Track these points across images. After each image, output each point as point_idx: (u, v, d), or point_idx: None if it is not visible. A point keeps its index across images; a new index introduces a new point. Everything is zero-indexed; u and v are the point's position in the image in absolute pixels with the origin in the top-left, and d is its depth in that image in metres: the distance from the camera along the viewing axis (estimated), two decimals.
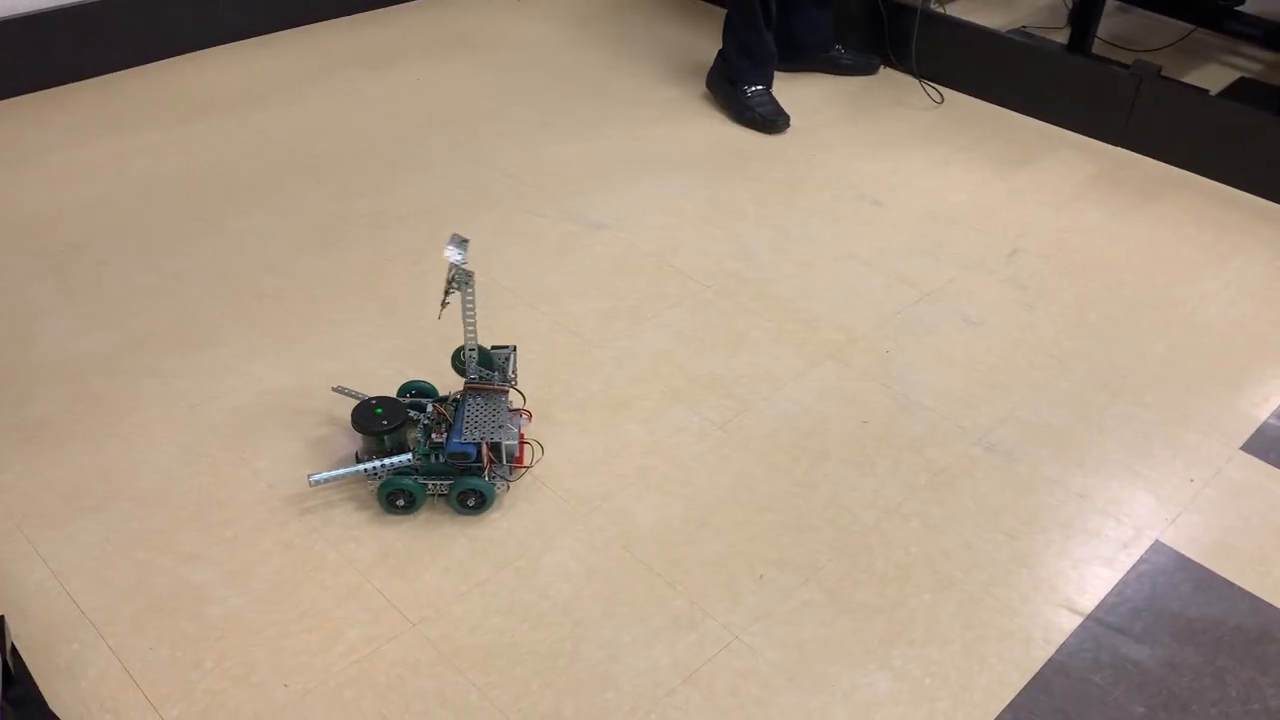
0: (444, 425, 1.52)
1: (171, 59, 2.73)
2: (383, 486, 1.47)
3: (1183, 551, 1.49)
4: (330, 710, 1.25)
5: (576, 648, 1.33)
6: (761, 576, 1.43)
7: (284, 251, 2.04)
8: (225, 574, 1.40)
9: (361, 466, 1.48)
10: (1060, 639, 1.37)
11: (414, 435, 1.53)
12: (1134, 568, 1.47)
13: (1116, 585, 1.44)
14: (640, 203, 2.23)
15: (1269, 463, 1.64)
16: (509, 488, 1.53)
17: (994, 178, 2.37)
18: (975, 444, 1.66)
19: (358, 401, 1.53)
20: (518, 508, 1.52)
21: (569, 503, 1.53)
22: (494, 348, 1.57)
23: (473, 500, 1.48)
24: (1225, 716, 1.28)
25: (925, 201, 2.27)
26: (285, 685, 1.27)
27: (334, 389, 1.66)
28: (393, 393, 1.60)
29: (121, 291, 1.91)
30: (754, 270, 2.03)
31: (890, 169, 2.38)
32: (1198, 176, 2.39)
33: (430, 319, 1.86)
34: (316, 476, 1.49)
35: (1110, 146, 2.50)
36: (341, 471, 1.49)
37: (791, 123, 2.52)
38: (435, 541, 1.46)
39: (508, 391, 1.55)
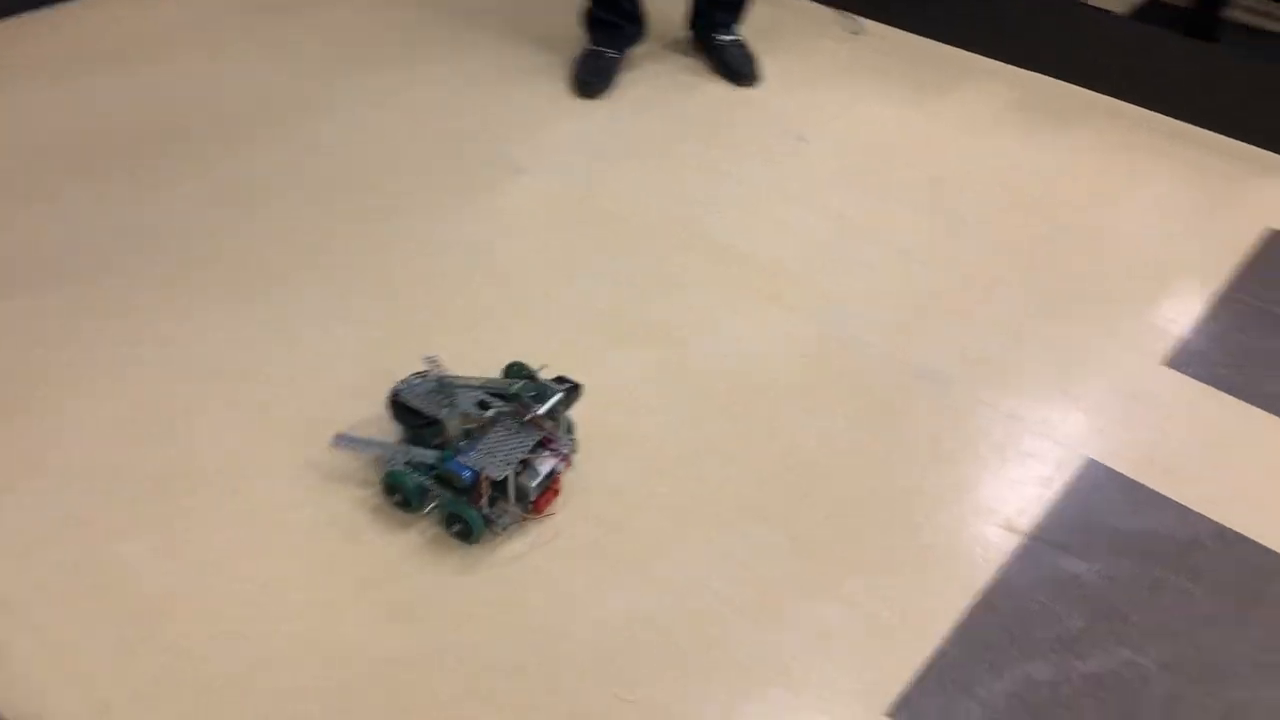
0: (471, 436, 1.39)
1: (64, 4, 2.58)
2: (387, 474, 1.38)
3: (1114, 467, 1.54)
4: (278, 681, 1.22)
5: (533, 601, 1.32)
6: (716, 515, 1.43)
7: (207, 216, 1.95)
8: (155, 549, 1.36)
9: (385, 447, 1.40)
10: (1002, 559, 1.40)
11: (458, 433, 1.40)
12: (1068, 486, 1.51)
13: (1052, 503, 1.48)
14: (562, 145, 2.19)
15: (1190, 376, 1.69)
16: (501, 532, 1.37)
17: (916, 108, 2.37)
18: (912, 373, 1.67)
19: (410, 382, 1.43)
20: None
21: None
22: (558, 379, 1.45)
23: (457, 527, 1.36)
24: (1161, 624, 1.33)
25: (850, 135, 2.27)
26: (222, 658, 1.24)
27: (425, 357, 1.46)
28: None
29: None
30: (683, 209, 2.01)
31: (814, 103, 2.37)
32: (1113, 100, 2.43)
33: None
34: (342, 437, 1.41)
35: (1028, 72, 2.52)
36: (366, 442, 1.42)
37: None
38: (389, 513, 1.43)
39: (545, 427, 1.38)
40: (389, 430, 1.45)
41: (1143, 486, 1.51)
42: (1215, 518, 1.46)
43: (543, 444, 1.37)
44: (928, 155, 2.21)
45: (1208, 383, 1.67)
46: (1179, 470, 1.53)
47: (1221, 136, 2.29)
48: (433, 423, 1.39)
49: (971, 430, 1.58)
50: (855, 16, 2.70)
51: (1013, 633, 1.31)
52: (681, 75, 2.46)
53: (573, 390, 1.45)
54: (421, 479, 1.37)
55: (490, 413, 1.38)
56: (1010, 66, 2.55)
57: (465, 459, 1.33)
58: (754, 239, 1.94)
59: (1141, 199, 2.09)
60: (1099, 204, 2.08)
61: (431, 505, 1.39)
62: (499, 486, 1.33)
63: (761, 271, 1.87)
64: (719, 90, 2.40)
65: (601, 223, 1.97)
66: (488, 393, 1.41)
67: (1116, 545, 1.42)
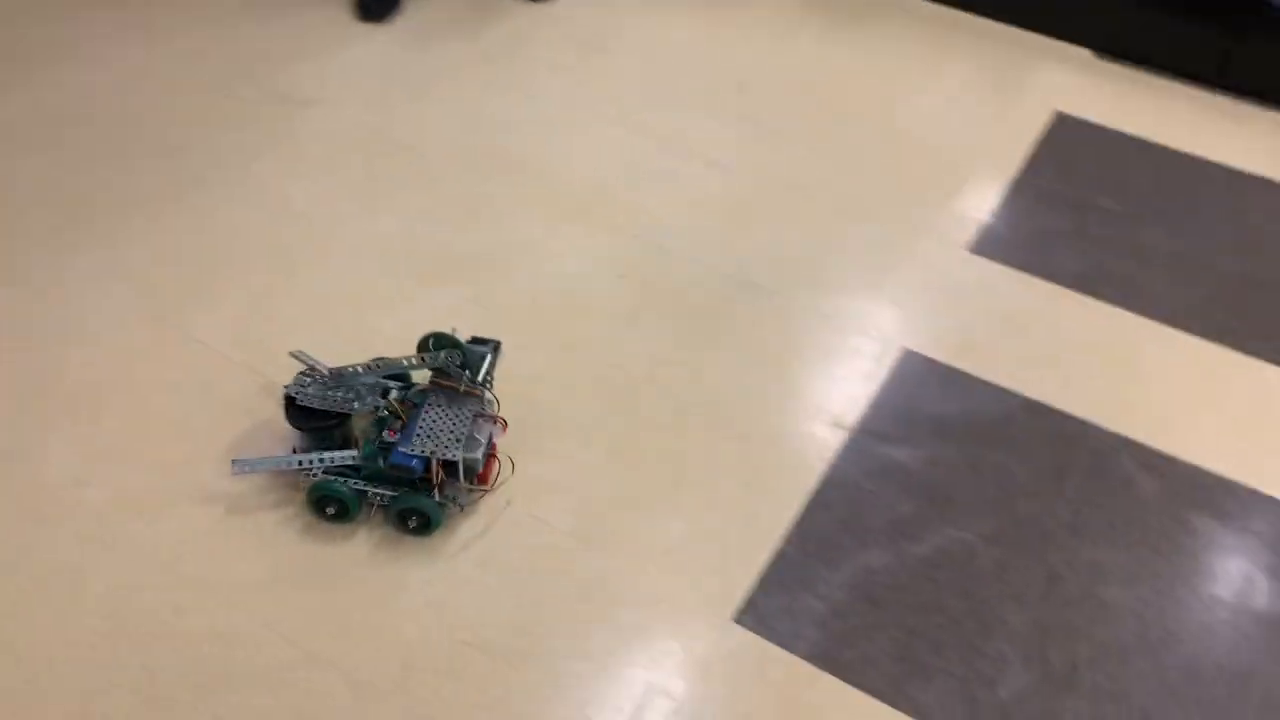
0: (400, 422, 1.27)
1: None
2: (311, 490, 1.24)
3: (929, 355, 1.57)
4: (85, 662, 1.12)
5: (355, 555, 1.25)
6: (539, 448, 1.39)
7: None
8: None
9: (292, 458, 1.25)
10: (831, 455, 1.42)
11: (364, 426, 1.29)
12: (889, 378, 1.54)
13: (875, 396, 1.51)
14: (350, 74, 2.05)
15: (994, 260, 1.75)
16: (462, 510, 1.30)
17: (711, 13, 2.34)
18: (732, 283, 1.66)
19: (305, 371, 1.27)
20: (248, 436, 1.39)
21: None
22: (474, 340, 1.34)
23: (414, 521, 1.25)
24: (983, 499, 1.38)
25: (649, 45, 2.22)
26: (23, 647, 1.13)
27: (292, 353, 1.32)
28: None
29: None
30: (485, 135, 1.93)
31: (613, 16, 2.30)
32: None
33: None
34: (240, 461, 1.25)
35: None
36: (268, 460, 1.26)
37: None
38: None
39: (480, 395, 1.30)
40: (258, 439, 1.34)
41: (957, 370, 1.55)
42: (1025, 393, 1.52)
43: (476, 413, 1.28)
44: (730, 62, 2.18)
45: (1009, 265, 1.74)
46: (989, 351, 1.58)
47: (1006, 25, 2.36)
48: (340, 420, 1.27)
49: (793, 334, 1.59)
50: None
51: (848, 525, 1.33)
52: None
53: (496, 349, 1.35)
54: (352, 483, 1.25)
55: (411, 392, 1.29)
56: None
57: (407, 447, 1.22)
58: (563, 160, 1.88)
59: (937, 92, 2.14)
60: (898, 99, 2.11)
61: (373, 507, 1.28)
62: (449, 467, 1.24)
63: (573, 192, 1.81)
64: (515, 7, 2.30)
65: (401, 154, 1.87)
66: (383, 376, 1.30)
67: (937, 430, 1.47)
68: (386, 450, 1.24)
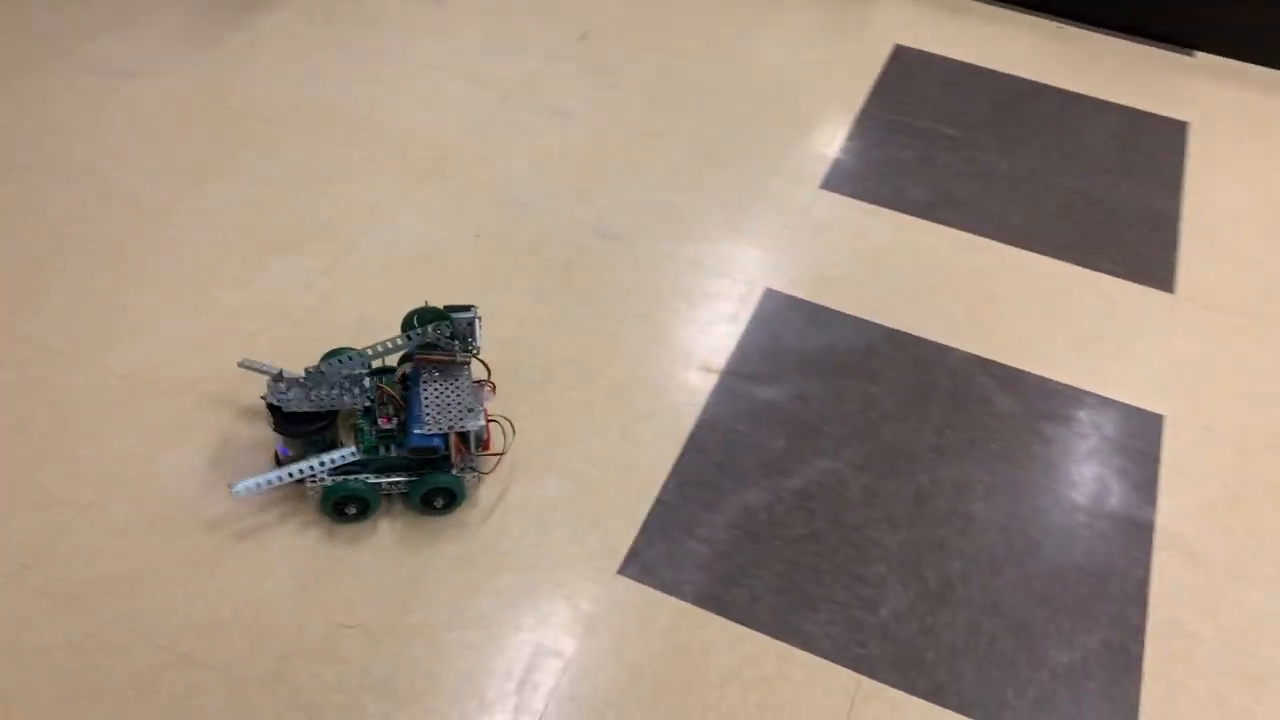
0: (391, 407, 1.23)
1: None
2: (327, 494, 1.18)
3: (790, 293, 1.59)
4: None
5: (216, 556, 1.19)
6: None
7: None
8: None
9: (293, 468, 1.18)
10: (703, 400, 1.42)
11: (353, 422, 1.24)
12: (753, 318, 1.55)
13: (741, 338, 1.51)
14: (170, 40, 1.92)
15: (845, 195, 1.77)
16: (481, 480, 1.27)
17: None
18: (591, 234, 1.64)
19: (271, 378, 1.21)
20: (101, 429, 1.31)
21: (173, 397, 1.34)
22: (449, 309, 1.28)
23: (441, 500, 1.23)
24: (851, 429, 1.41)
25: None
26: None
27: (241, 364, 1.28)
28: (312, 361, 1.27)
29: None
30: (322, 96, 1.84)
31: None
32: None
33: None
34: (240, 486, 1.17)
35: None
36: (270, 475, 1.18)
37: None
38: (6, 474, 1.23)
39: (469, 363, 1.27)
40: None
41: (818, 306, 1.57)
42: (884, 322, 1.55)
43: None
44: (573, 9, 2.14)
45: (861, 198, 1.76)
46: (847, 285, 1.61)
47: None
48: (330, 420, 1.21)
49: (656, 282, 1.58)
50: None
51: (723, 467, 1.34)
52: None
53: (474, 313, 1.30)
54: (364, 478, 1.20)
55: (392, 376, 1.26)
56: None
57: (422, 428, 1.19)
58: (406, 118, 1.81)
59: (780, 32, 2.15)
60: (741, 38, 2.11)
61: (393, 494, 1.24)
62: (461, 438, 1.21)
63: (421, 150, 1.75)
64: None
65: (234, 122, 1.77)
66: (360, 365, 1.26)
67: (803, 365, 1.48)
68: (388, 438, 1.22)
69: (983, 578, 1.25)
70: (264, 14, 2.02)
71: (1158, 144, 1.94)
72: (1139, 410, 1.46)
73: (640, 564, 1.23)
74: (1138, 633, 1.21)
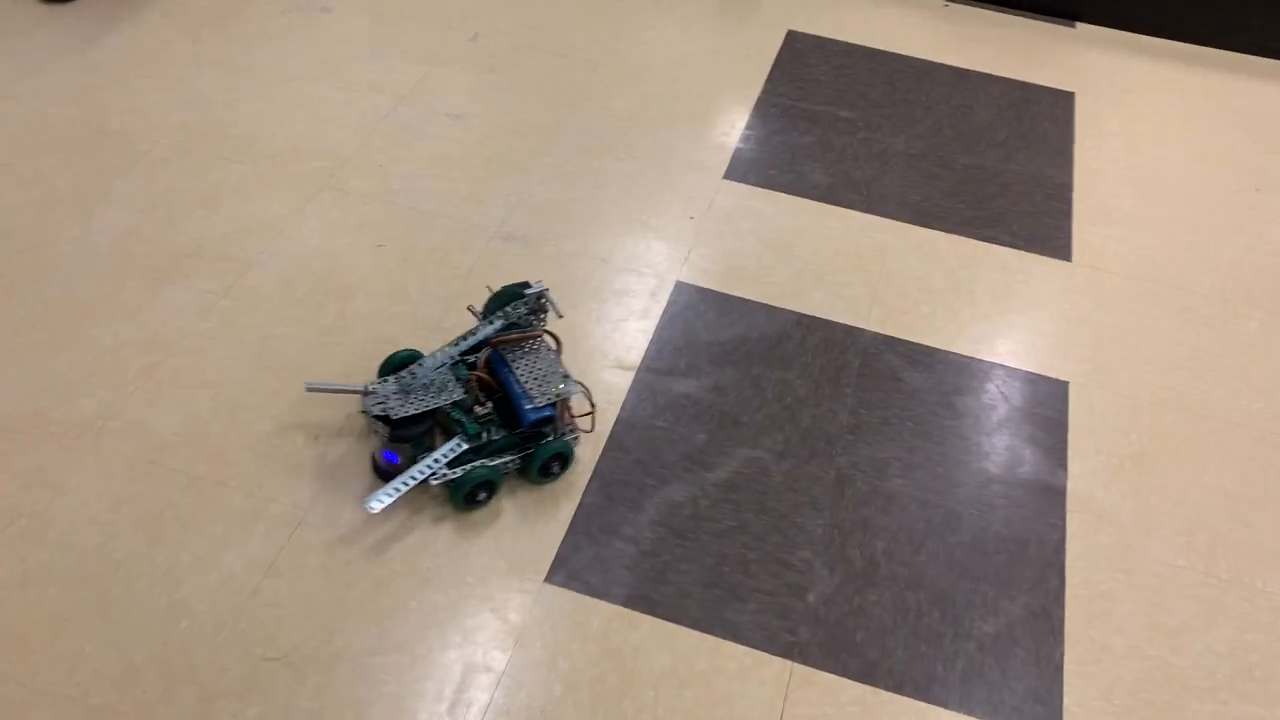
0: (483, 393, 1.27)
1: None
2: (458, 486, 1.22)
3: (701, 284, 1.59)
4: None
5: (130, 590, 1.15)
6: (316, 438, 1.31)
7: None
8: None
9: (416, 471, 1.20)
10: (621, 398, 1.41)
11: (450, 415, 1.26)
12: (664, 313, 1.54)
13: (654, 333, 1.51)
14: (35, 62, 1.84)
15: (748, 183, 1.78)
16: (579, 439, 1.32)
17: None
18: (494, 237, 1.62)
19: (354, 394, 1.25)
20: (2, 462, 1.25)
21: (65, 435, 1.28)
22: (511, 289, 1.30)
23: (558, 466, 1.29)
24: (769, 417, 1.41)
25: (373, 1, 2.10)
26: None
27: (309, 388, 1.27)
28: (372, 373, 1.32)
29: None
30: (206, 115, 1.78)
31: None
32: None
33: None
34: (373, 501, 1.17)
35: None
36: (402, 486, 1.19)
37: None
38: None
39: (540, 335, 1.31)
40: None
41: (728, 295, 1.58)
42: (793, 308, 1.56)
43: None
44: (461, 9, 2.10)
45: (763, 186, 1.77)
46: (756, 273, 1.62)
47: None
48: (433, 417, 1.23)
49: (566, 281, 1.57)
50: None
51: (646, 465, 1.34)
52: None
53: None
54: (485, 461, 1.24)
55: (480, 362, 1.28)
56: None
57: (531, 403, 1.24)
58: (296, 130, 1.77)
59: (672, 23, 2.14)
60: (629, 34, 2.10)
61: (510, 470, 1.29)
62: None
63: (314, 163, 1.71)
64: None
65: (115, 146, 1.70)
66: (446, 357, 1.27)
67: (718, 357, 1.49)
68: (487, 423, 1.26)
69: (906, 554, 1.27)
70: (141, 32, 1.95)
71: (1046, 115, 1.99)
72: (1044, 378, 1.49)
73: (567, 570, 1.21)
74: (1058, 596, 1.24)
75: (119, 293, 1.46)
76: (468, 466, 1.22)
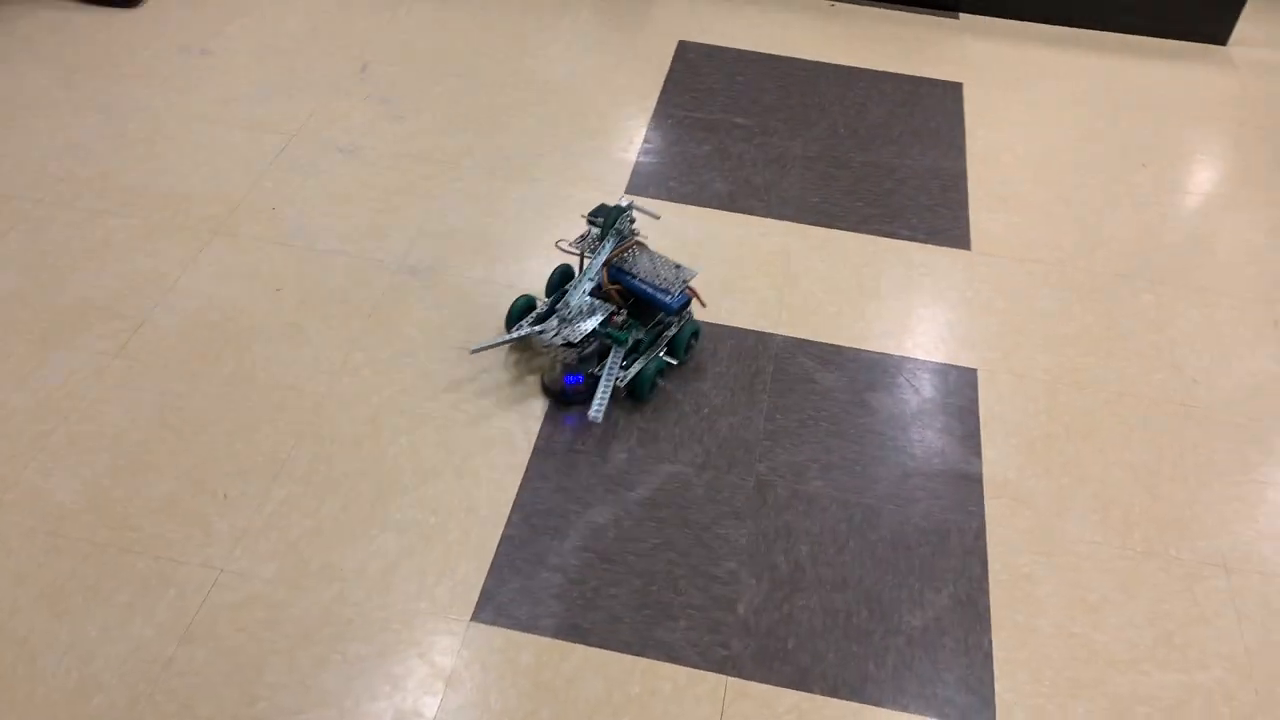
0: (621, 304, 1.44)
1: None
2: (643, 379, 1.41)
3: None
4: None
5: (32, 669, 1.10)
6: (225, 496, 1.27)
7: None
8: None
9: (609, 375, 1.39)
10: (538, 426, 1.40)
11: (594, 332, 1.41)
12: None
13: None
14: None
15: (651, 196, 1.78)
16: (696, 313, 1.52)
17: None
18: (397, 272, 1.59)
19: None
20: None
21: None
22: (600, 211, 1.46)
23: (694, 340, 1.49)
24: (686, 429, 1.41)
25: (258, 37, 2.06)
26: None
27: (474, 350, 1.44)
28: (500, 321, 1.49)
29: None
30: (89, 165, 1.72)
31: (210, 11, 2.12)
32: None
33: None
34: (597, 413, 1.36)
35: None
36: (605, 390, 1.38)
37: None
38: None
39: (635, 241, 1.46)
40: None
41: None
42: (703, 318, 1.56)
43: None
44: (349, 40, 2.07)
45: (667, 198, 1.77)
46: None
47: None
48: (597, 336, 1.43)
49: (474, 309, 1.55)
50: None
51: (567, 490, 1.32)
52: (44, 11, 2.08)
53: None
54: (645, 356, 1.43)
55: (596, 282, 1.44)
56: None
57: (668, 297, 1.41)
58: (185, 176, 1.72)
59: (563, 40, 2.14)
60: (524, 53, 2.09)
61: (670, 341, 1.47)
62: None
63: (205, 209, 1.66)
64: (97, 21, 2.07)
65: None
66: (587, 283, 1.43)
67: None
68: (630, 328, 1.43)
69: (830, 555, 1.27)
70: (15, 80, 1.88)
71: (937, 107, 2.03)
72: (953, 367, 1.52)
73: (494, 606, 1.19)
74: (981, 583, 1.26)
75: (4, 361, 1.41)
76: (638, 365, 1.41)
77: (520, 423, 1.40)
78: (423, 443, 1.36)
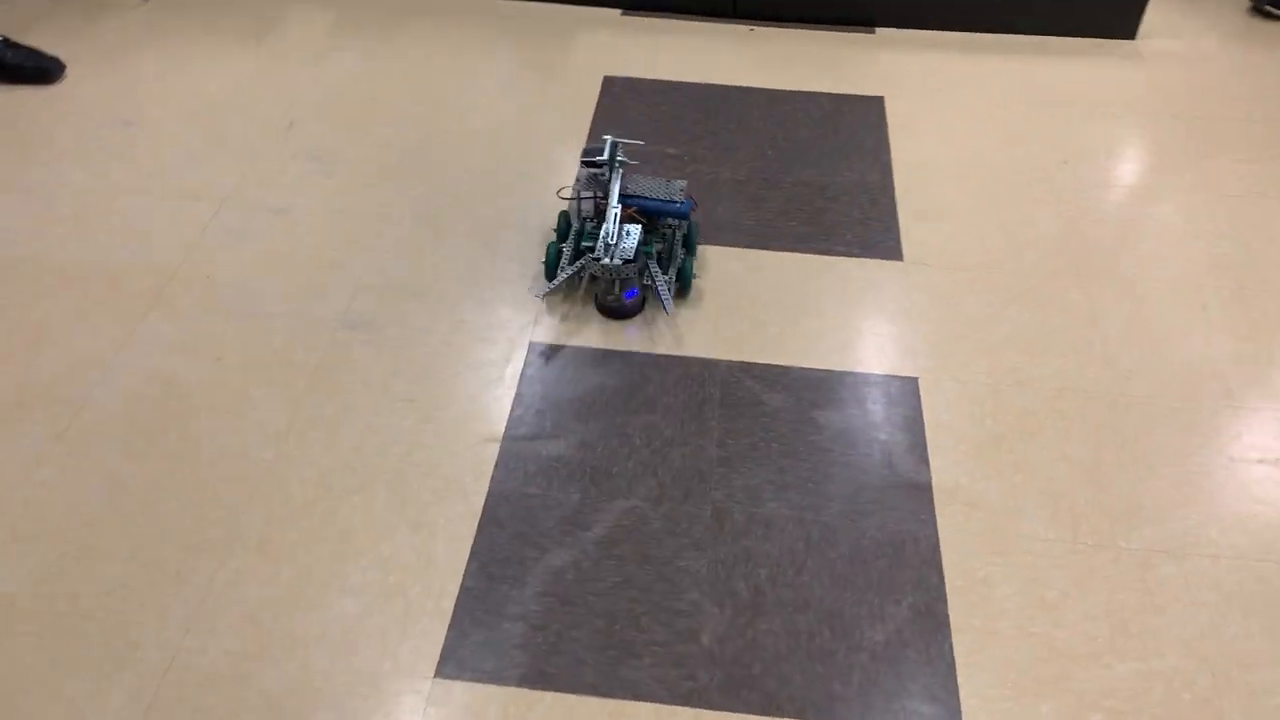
0: (640, 223, 1.63)
1: None
2: (685, 274, 1.64)
3: (553, 341, 1.59)
4: None
5: None
6: (178, 573, 1.26)
7: None
8: None
9: (662, 281, 1.59)
10: (490, 471, 1.40)
11: (620, 246, 1.58)
12: (521, 377, 1.53)
13: (514, 400, 1.50)
14: None
15: None
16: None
17: (242, 54, 2.20)
18: (339, 329, 1.59)
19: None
20: None
21: None
22: (590, 155, 1.67)
23: (699, 239, 1.75)
24: (639, 463, 1.42)
25: (182, 104, 2.05)
26: None
27: (541, 295, 1.65)
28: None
29: None
30: (13, 247, 1.70)
31: (131, 81, 2.11)
32: None
33: None
34: (670, 306, 1.57)
35: None
36: (663, 290, 1.58)
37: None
38: None
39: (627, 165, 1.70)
40: None
41: (582, 347, 1.58)
42: (648, 350, 1.57)
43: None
44: (273, 99, 2.07)
45: None
46: (604, 320, 1.62)
47: (534, 3, 2.41)
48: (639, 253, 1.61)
49: (418, 361, 1.55)
50: None
51: (524, 536, 1.32)
52: None
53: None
54: (683, 257, 1.66)
55: (620, 211, 1.62)
56: None
57: (679, 204, 1.64)
58: (116, 250, 1.70)
59: (490, 85, 2.15)
60: (454, 101, 2.10)
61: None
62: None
63: (138, 282, 1.65)
64: (14, 96, 2.04)
65: None
66: (614, 216, 1.61)
67: (581, 412, 1.49)
68: (650, 241, 1.64)
69: (789, 577, 1.29)
70: None
71: (860, 122, 2.06)
72: (895, 377, 1.54)
73: (457, 661, 1.19)
74: (939, 591, 1.27)
75: None
76: (677, 264, 1.64)
77: (472, 469, 1.40)
78: (375, 500, 1.35)
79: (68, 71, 2.12)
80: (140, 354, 1.54)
